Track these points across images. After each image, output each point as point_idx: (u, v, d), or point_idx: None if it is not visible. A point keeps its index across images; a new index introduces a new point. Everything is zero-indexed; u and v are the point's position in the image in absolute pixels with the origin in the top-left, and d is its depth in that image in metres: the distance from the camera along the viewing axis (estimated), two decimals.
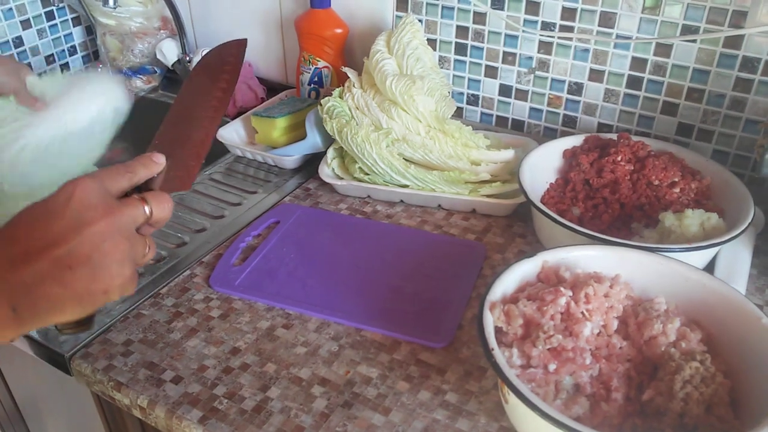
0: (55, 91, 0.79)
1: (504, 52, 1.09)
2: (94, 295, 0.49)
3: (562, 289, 0.64)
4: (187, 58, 1.32)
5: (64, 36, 1.42)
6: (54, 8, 1.37)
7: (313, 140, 1.04)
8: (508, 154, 0.97)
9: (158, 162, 0.56)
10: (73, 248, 0.47)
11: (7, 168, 0.74)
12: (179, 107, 0.65)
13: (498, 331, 0.62)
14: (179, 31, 1.31)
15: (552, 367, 0.59)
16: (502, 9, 1.05)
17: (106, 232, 0.48)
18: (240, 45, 0.70)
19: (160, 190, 0.55)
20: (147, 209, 0.53)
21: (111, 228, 0.49)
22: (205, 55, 0.70)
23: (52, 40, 1.40)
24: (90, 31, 1.45)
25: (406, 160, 0.96)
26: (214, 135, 0.62)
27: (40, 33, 1.37)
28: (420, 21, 1.12)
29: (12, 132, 0.74)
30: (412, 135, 0.97)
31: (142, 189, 0.56)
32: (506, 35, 1.07)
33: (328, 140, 1.04)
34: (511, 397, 0.56)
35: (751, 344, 0.62)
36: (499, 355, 0.58)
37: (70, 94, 0.76)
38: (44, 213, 0.48)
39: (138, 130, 1.44)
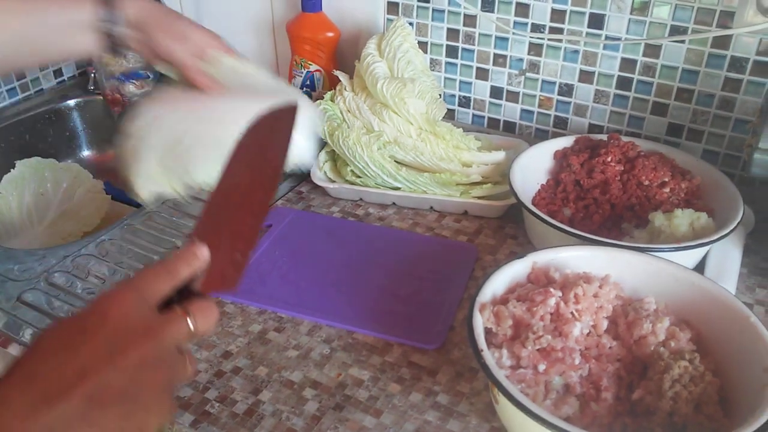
0: (235, 79, 0.72)
1: (495, 54, 1.09)
2: None
3: (551, 289, 0.64)
4: None
5: None
6: None
7: None
8: (499, 155, 0.97)
9: (202, 257, 0.46)
10: (105, 382, 0.38)
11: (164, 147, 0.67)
12: (224, 189, 0.53)
13: (488, 332, 0.63)
14: None
15: (541, 367, 0.60)
16: (492, 11, 1.06)
17: (145, 361, 0.40)
18: (290, 112, 0.58)
19: (203, 291, 0.47)
20: (191, 324, 0.43)
21: (150, 354, 0.41)
22: (251, 126, 0.57)
23: None
24: None
25: (397, 162, 0.97)
26: (263, 221, 0.53)
27: None
28: (411, 24, 1.12)
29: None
30: (403, 137, 0.97)
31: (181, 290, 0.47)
32: (497, 37, 1.08)
33: (320, 143, 1.04)
34: (501, 398, 0.56)
35: (740, 343, 0.62)
36: (489, 356, 0.58)
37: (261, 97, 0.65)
38: (72, 337, 0.39)
39: None
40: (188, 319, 0.43)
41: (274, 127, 0.57)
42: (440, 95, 1.08)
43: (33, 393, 0.37)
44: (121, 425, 0.39)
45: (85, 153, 1.39)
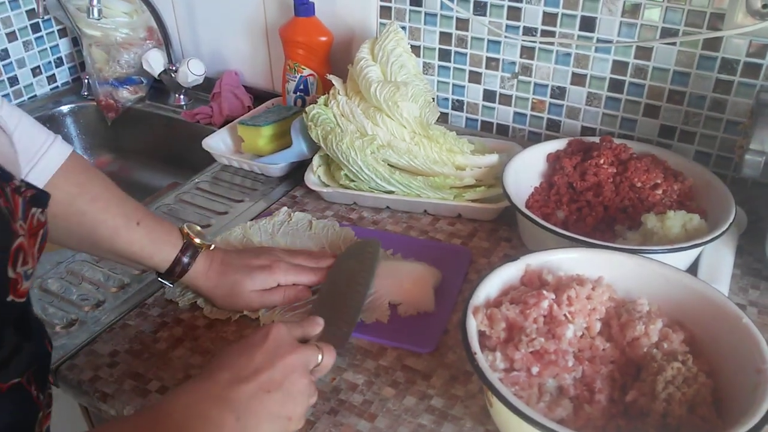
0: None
1: (487, 58, 1.10)
2: (281, 420, 0.57)
3: (544, 292, 0.65)
4: (173, 68, 1.32)
5: (51, 48, 1.42)
6: (40, 20, 1.38)
7: (298, 148, 1.05)
8: (492, 158, 0.98)
9: (320, 325, 0.67)
10: (271, 375, 0.57)
11: None
12: (332, 284, 0.79)
13: (482, 335, 0.63)
14: (165, 41, 1.31)
15: (535, 369, 0.60)
16: (484, 15, 1.06)
17: (294, 366, 0.59)
18: (376, 245, 0.84)
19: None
20: (320, 356, 0.62)
21: (297, 362, 0.59)
22: (349, 248, 0.86)
23: (39, 52, 1.40)
24: (76, 42, 1.45)
25: (391, 166, 0.97)
26: (361, 307, 0.77)
27: (26, 45, 1.37)
28: (403, 28, 1.12)
29: None
30: (397, 141, 0.98)
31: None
32: (489, 41, 1.08)
33: (314, 148, 1.04)
34: (495, 401, 0.56)
35: (733, 344, 0.62)
36: (482, 359, 0.58)
37: None
38: (248, 347, 0.58)
39: (125, 141, 1.44)
40: (319, 352, 0.62)
41: (364, 251, 0.83)
42: (433, 99, 1.08)
43: (227, 377, 0.56)
44: (278, 410, 0.56)
45: None
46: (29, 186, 0.53)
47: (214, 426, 0.53)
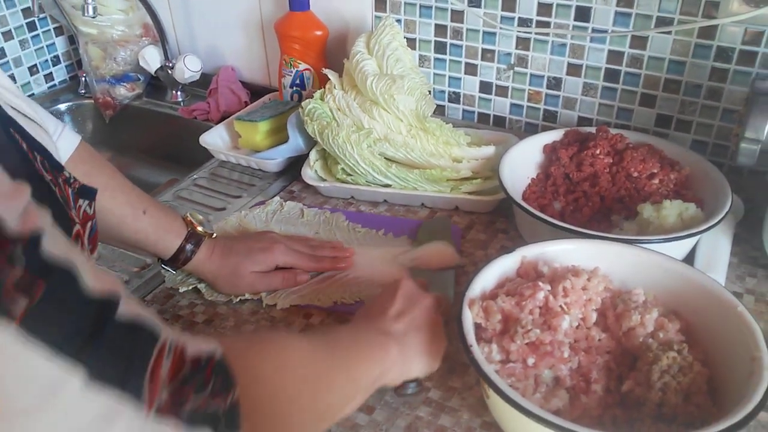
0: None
1: (483, 49, 1.10)
2: (430, 355, 0.63)
3: (540, 283, 0.65)
4: (170, 65, 1.32)
5: (47, 46, 1.42)
6: (35, 19, 1.37)
7: (295, 143, 1.05)
8: (488, 150, 0.98)
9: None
10: (414, 316, 0.63)
11: None
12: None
13: (477, 327, 0.63)
14: (161, 37, 1.31)
15: (531, 361, 0.60)
16: (479, 6, 1.06)
17: (431, 307, 0.66)
18: (447, 221, 0.92)
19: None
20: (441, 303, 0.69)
21: (432, 305, 0.66)
22: (428, 224, 0.92)
23: (35, 50, 1.40)
24: (72, 40, 1.45)
25: (387, 159, 0.97)
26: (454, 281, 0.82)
27: (23, 44, 1.37)
28: (398, 21, 1.12)
29: None
30: (393, 134, 0.98)
31: None
32: (484, 32, 1.08)
33: (311, 142, 1.04)
34: (492, 393, 0.56)
35: (728, 332, 0.62)
36: (478, 351, 0.58)
37: None
38: (387, 297, 0.65)
39: (123, 138, 1.45)
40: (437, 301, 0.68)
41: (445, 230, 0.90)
42: (430, 91, 1.08)
43: (381, 318, 0.62)
44: (428, 346, 0.63)
45: None
46: (76, 178, 0.55)
47: (382, 350, 0.59)
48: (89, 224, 0.56)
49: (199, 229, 0.80)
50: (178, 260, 0.78)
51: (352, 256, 0.85)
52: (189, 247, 0.78)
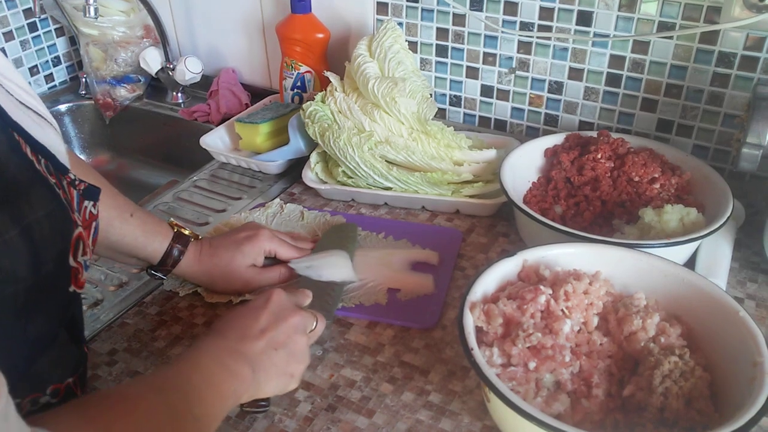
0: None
1: (484, 53, 1.10)
2: (286, 376, 0.62)
3: (542, 287, 0.65)
4: (171, 66, 1.32)
5: (48, 47, 1.42)
6: (37, 19, 1.37)
7: (296, 145, 1.04)
8: (489, 153, 0.97)
9: (309, 296, 0.71)
10: (276, 334, 0.61)
11: None
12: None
13: (479, 330, 0.63)
14: (162, 39, 1.31)
15: (532, 365, 0.60)
16: (480, 10, 1.06)
17: (296, 327, 0.63)
18: (353, 227, 0.90)
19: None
20: (315, 321, 0.67)
21: (298, 324, 0.64)
22: (328, 231, 0.90)
23: (36, 51, 1.40)
24: (73, 41, 1.45)
25: (388, 162, 0.97)
26: (344, 285, 0.81)
27: (24, 44, 1.37)
28: (400, 24, 1.12)
29: None
30: (394, 137, 0.97)
31: None
32: (486, 36, 1.08)
33: (312, 145, 1.04)
34: (493, 397, 0.56)
35: (730, 337, 0.62)
36: (479, 354, 0.58)
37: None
38: (253, 309, 0.63)
39: (123, 139, 1.44)
40: (314, 319, 0.67)
41: (343, 235, 0.88)
42: (431, 94, 1.08)
43: (237, 335, 0.60)
44: (284, 366, 0.61)
45: None
46: (81, 180, 0.55)
47: (235, 376, 0.57)
48: (94, 225, 0.56)
49: (185, 231, 0.80)
50: (166, 263, 0.78)
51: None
52: (177, 248, 0.77)
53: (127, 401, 0.48)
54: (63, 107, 1.41)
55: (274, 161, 1.05)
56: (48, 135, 0.53)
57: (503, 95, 1.12)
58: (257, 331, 0.60)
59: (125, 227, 0.74)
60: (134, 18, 1.34)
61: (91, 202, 0.56)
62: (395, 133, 0.98)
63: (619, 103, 1.04)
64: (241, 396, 0.58)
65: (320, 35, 1.15)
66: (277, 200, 0.98)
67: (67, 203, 0.51)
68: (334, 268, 0.80)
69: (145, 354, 0.74)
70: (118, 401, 0.48)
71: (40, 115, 0.54)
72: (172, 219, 0.82)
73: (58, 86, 1.46)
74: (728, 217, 0.77)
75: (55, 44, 1.43)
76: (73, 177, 0.54)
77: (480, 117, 1.16)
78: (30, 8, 1.34)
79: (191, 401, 0.52)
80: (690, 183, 0.87)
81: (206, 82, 1.33)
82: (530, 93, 1.10)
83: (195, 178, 1.08)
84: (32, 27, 1.37)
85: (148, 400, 0.49)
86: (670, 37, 0.95)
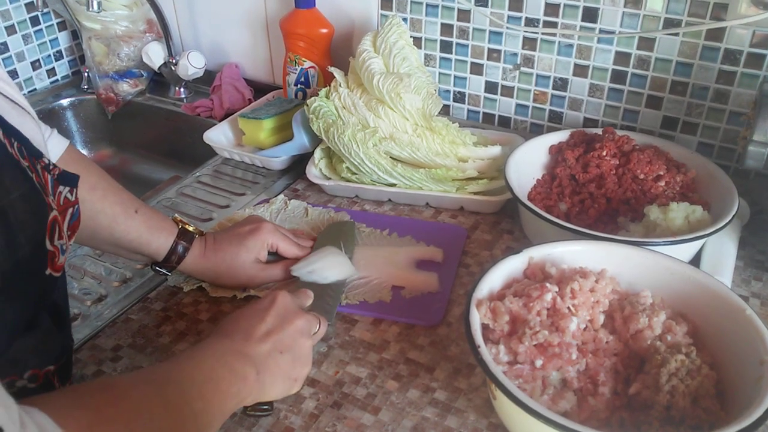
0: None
1: (489, 49, 1.09)
2: (290, 380, 0.62)
3: (548, 285, 0.64)
4: (173, 61, 1.31)
5: (50, 41, 1.41)
6: (39, 13, 1.37)
7: (300, 141, 1.04)
8: (494, 150, 0.97)
9: (310, 297, 0.72)
10: (281, 337, 0.61)
11: None
12: None
13: (485, 328, 0.63)
14: (165, 33, 1.30)
15: (539, 362, 0.60)
16: (485, 6, 1.05)
17: (301, 330, 0.64)
18: (351, 225, 0.90)
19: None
20: (318, 325, 0.67)
21: (303, 327, 0.64)
22: (326, 229, 0.90)
23: (38, 45, 1.39)
24: (75, 35, 1.44)
25: (393, 158, 0.97)
26: (344, 283, 0.81)
27: (26, 38, 1.36)
28: (404, 19, 1.12)
29: None
30: (399, 133, 0.97)
31: None
32: (490, 32, 1.08)
33: (315, 140, 1.04)
34: (499, 394, 0.56)
35: (736, 335, 0.62)
36: (486, 352, 0.58)
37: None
38: (258, 311, 0.63)
39: (126, 134, 1.44)
40: (318, 322, 0.67)
41: (342, 232, 0.87)
42: (436, 90, 1.08)
43: (243, 337, 0.60)
44: (288, 370, 0.61)
45: None
46: (56, 165, 0.55)
47: (239, 377, 0.57)
48: (70, 210, 0.56)
49: (189, 227, 0.80)
50: (171, 260, 0.77)
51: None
52: (182, 245, 0.77)
53: (120, 388, 0.49)
54: (65, 102, 1.40)
55: (278, 157, 1.05)
56: (24, 121, 0.53)
57: (508, 92, 1.12)
58: (262, 334, 0.61)
59: (130, 223, 0.74)
60: (137, 12, 1.33)
61: (67, 188, 0.55)
62: (400, 129, 0.97)
63: (624, 100, 1.03)
64: (244, 398, 0.58)
65: (324, 30, 1.14)
66: (281, 196, 0.98)
67: (40, 187, 0.51)
68: (335, 267, 0.80)
69: (149, 350, 0.73)
70: (111, 387, 0.49)
71: (16, 103, 0.54)
72: (176, 215, 0.81)
73: (60, 81, 1.46)
74: (734, 215, 0.77)
75: (57, 38, 1.43)
76: (47, 161, 0.53)
77: (484, 113, 1.16)
78: (32, 2, 1.34)
79: (190, 396, 0.52)
80: (695, 180, 0.87)
81: (209, 77, 1.33)
82: (535, 89, 1.09)
83: (198, 173, 1.08)
84: (34, 21, 1.37)
85: (141, 390, 0.49)
86: (676, 34, 0.95)
